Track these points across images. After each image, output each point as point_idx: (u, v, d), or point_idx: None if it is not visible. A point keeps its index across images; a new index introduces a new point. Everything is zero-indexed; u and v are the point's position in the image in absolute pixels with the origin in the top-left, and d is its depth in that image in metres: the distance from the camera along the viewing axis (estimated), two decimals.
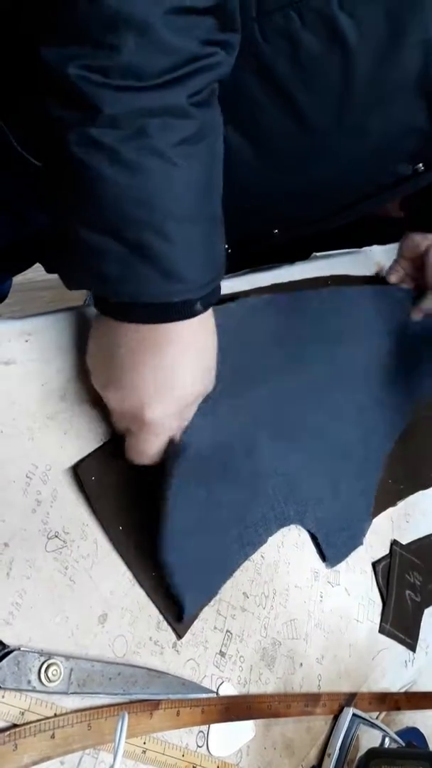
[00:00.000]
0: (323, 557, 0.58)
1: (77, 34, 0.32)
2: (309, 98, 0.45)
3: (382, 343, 0.71)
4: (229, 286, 0.61)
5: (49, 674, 0.38)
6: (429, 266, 0.75)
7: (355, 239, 0.83)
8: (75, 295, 0.45)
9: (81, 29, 0.32)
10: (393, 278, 0.79)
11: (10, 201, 0.60)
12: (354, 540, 0.61)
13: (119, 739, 0.35)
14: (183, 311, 0.37)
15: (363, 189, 0.58)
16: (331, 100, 0.46)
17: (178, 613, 0.45)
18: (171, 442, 0.43)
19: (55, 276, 0.42)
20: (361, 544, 0.62)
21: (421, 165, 0.55)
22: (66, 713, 0.39)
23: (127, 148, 0.33)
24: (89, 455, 0.45)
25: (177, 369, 0.39)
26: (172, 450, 0.43)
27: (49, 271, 0.78)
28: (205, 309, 0.39)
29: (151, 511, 0.45)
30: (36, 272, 1.19)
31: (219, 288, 0.40)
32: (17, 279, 1.12)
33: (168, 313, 0.37)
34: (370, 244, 0.84)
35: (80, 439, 0.45)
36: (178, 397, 0.41)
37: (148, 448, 0.43)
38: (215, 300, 0.40)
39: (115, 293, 0.37)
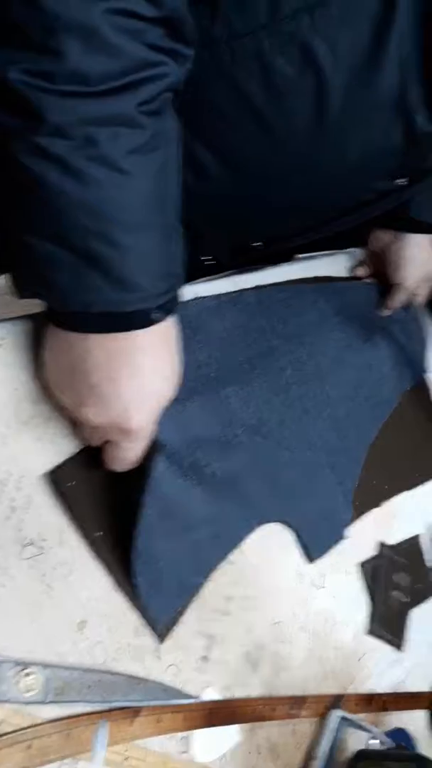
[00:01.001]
0: (307, 553, 0.58)
1: (18, 39, 0.31)
2: (283, 121, 0.45)
3: (354, 337, 0.71)
4: (214, 287, 0.61)
5: (26, 684, 0.38)
6: (390, 263, 0.76)
7: (340, 241, 0.83)
8: None
9: (22, 34, 0.31)
10: (359, 272, 0.80)
11: None
12: (336, 531, 0.61)
13: (98, 749, 0.35)
14: (140, 320, 0.37)
15: (343, 205, 0.58)
16: (305, 122, 0.45)
17: (150, 619, 0.45)
18: (151, 444, 0.43)
19: None
20: (345, 537, 0.62)
21: (400, 180, 0.55)
22: (43, 723, 0.39)
23: (76, 158, 0.32)
24: (66, 460, 0.44)
25: (150, 373, 0.39)
26: (151, 451, 0.43)
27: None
28: (163, 317, 0.38)
29: (130, 514, 0.44)
30: None
31: (177, 297, 0.40)
32: None
33: (124, 322, 0.37)
34: (355, 246, 0.84)
35: (55, 444, 0.45)
36: (157, 399, 0.40)
37: (132, 455, 0.43)
38: (174, 308, 0.40)
39: (65, 303, 0.36)
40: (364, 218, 0.59)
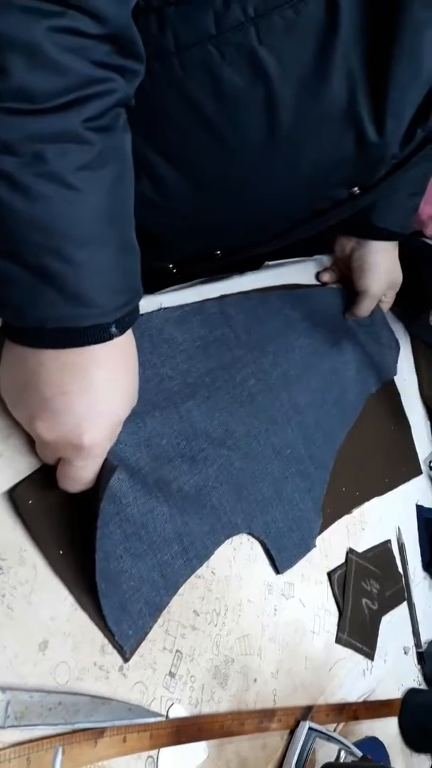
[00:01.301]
0: (274, 566, 0.58)
1: None
2: (234, 131, 0.45)
3: (321, 342, 0.72)
4: (179, 298, 0.60)
5: None
6: (355, 269, 0.77)
7: (306, 248, 0.83)
8: None
9: None
10: (325, 278, 0.80)
11: None
12: (305, 542, 0.61)
13: None
14: (97, 335, 0.37)
15: (298, 215, 0.58)
16: (257, 133, 0.45)
17: (116, 643, 0.44)
18: (103, 465, 0.42)
19: None
20: (314, 546, 0.62)
21: (356, 188, 0.56)
22: (3, 748, 0.38)
23: (24, 174, 0.32)
24: (25, 478, 0.44)
25: (105, 389, 0.38)
26: (103, 472, 0.42)
27: None
28: (121, 332, 0.38)
29: (91, 533, 0.44)
30: None
31: (136, 310, 0.40)
32: None
33: (81, 337, 0.36)
34: (321, 252, 0.85)
35: (15, 461, 0.44)
36: (111, 416, 0.40)
37: (86, 474, 0.42)
38: (132, 322, 0.39)
39: (21, 318, 0.36)
40: (321, 227, 0.60)
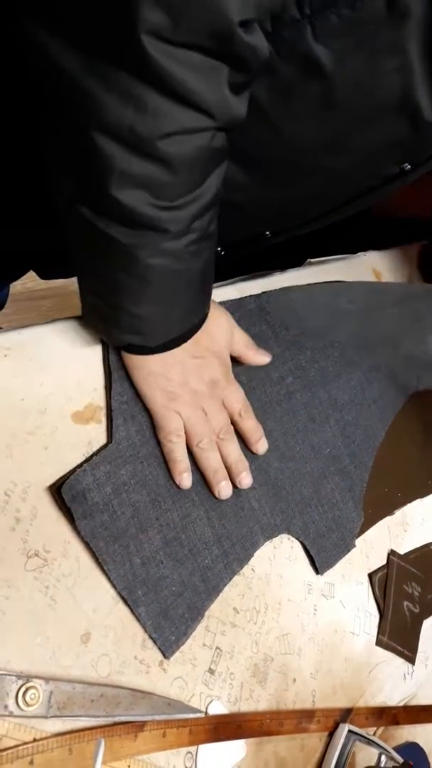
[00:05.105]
0: (314, 566, 0.57)
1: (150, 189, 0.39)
2: (291, 123, 0.46)
3: (360, 338, 0.70)
4: (220, 294, 0.60)
5: (27, 698, 0.37)
6: None
7: (350, 245, 0.82)
8: (75, 302, 0.46)
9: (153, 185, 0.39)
10: None
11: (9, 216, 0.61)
12: (344, 542, 0.60)
13: (97, 767, 0.34)
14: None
15: (349, 193, 0.58)
16: (312, 124, 0.46)
17: (160, 646, 0.45)
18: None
19: (54, 284, 0.43)
20: (354, 546, 0.61)
21: (407, 164, 0.55)
22: (46, 737, 0.38)
23: (191, 248, 0.42)
24: (71, 471, 0.44)
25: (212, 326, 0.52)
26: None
27: (43, 277, 0.78)
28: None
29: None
30: (35, 281, 1.18)
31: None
32: (16, 289, 1.12)
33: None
34: (365, 249, 0.83)
35: (61, 454, 0.44)
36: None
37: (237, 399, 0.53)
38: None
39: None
40: (368, 204, 0.60)
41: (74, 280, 0.46)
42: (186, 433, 0.49)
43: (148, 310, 0.44)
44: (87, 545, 0.43)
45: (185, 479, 0.48)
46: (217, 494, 0.50)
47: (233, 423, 0.52)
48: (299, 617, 0.55)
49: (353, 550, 0.61)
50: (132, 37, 0.33)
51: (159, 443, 0.48)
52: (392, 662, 0.62)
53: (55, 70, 0.36)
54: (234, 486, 0.51)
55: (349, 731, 0.53)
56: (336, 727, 0.53)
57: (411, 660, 0.63)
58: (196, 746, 0.45)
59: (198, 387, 0.50)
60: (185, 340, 0.48)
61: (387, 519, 0.67)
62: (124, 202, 0.38)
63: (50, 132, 0.40)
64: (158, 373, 0.48)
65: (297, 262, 0.77)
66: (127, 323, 0.44)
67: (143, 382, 0.48)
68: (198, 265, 0.45)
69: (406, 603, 0.65)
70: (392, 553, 0.66)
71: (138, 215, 0.39)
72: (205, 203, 0.42)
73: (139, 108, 0.36)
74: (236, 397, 0.53)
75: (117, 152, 0.37)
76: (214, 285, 0.63)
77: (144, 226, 0.40)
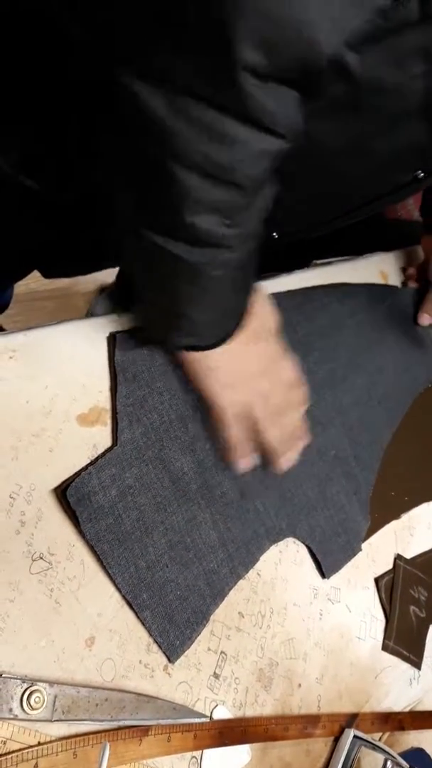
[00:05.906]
0: (320, 570, 0.57)
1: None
2: (313, 125, 0.45)
3: (368, 339, 0.70)
4: None
5: (32, 701, 0.37)
6: None
7: (356, 246, 0.82)
8: (78, 304, 0.46)
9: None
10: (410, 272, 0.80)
11: (15, 219, 0.61)
12: (350, 545, 0.60)
13: None
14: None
15: (361, 198, 0.58)
16: (335, 126, 0.46)
17: (164, 650, 0.44)
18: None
19: (57, 285, 0.42)
20: (359, 550, 0.60)
21: (420, 172, 0.55)
22: (50, 741, 0.38)
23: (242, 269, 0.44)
24: (77, 474, 0.44)
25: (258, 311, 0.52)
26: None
27: (46, 276, 0.78)
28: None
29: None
30: (38, 282, 1.18)
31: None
32: (19, 290, 1.12)
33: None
34: (371, 251, 0.83)
35: (66, 457, 0.44)
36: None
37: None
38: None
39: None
40: (377, 211, 0.60)
41: (77, 280, 0.47)
42: (246, 418, 0.49)
43: (208, 316, 0.46)
44: (92, 548, 0.43)
45: (244, 463, 0.49)
46: (278, 470, 0.50)
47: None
48: (305, 622, 0.55)
49: (359, 555, 0.61)
50: (230, 76, 0.34)
51: (214, 433, 0.49)
52: (398, 667, 0.61)
53: (141, 110, 0.36)
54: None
55: (355, 736, 0.52)
56: (341, 732, 0.53)
57: (417, 665, 0.63)
58: (200, 751, 0.45)
59: (253, 370, 0.50)
60: (237, 333, 0.49)
61: (393, 523, 0.67)
62: (199, 227, 0.39)
63: (116, 155, 0.40)
64: (214, 366, 0.49)
65: (302, 263, 0.77)
66: (187, 328, 0.46)
67: (203, 376, 0.49)
68: (251, 268, 0.46)
69: (412, 607, 0.64)
70: (399, 558, 0.65)
71: (208, 236, 0.40)
72: (263, 216, 0.43)
73: (218, 138, 0.36)
74: (289, 371, 0.54)
75: (195, 182, 0.37)
76: None
77: (211, 245, 0.41)
